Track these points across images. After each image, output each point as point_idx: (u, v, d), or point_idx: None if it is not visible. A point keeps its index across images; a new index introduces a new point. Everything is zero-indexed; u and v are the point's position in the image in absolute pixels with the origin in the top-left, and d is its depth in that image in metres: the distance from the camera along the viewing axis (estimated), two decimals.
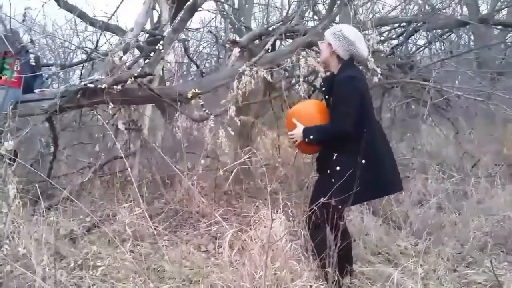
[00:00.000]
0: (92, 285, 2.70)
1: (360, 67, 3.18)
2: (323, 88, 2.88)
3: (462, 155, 5.21)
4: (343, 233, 2.67)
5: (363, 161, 2.52)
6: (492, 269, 2.76)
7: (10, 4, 3.84)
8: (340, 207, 2.52)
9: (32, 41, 4.88)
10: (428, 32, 5.67)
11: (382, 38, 5.47)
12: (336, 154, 2.62)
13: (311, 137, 2.63)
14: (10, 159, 2.94)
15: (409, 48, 6.19)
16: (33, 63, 4.34)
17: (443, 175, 4.83)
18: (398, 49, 5.52)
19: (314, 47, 4.48)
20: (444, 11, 5.98)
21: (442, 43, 6.31)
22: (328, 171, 2.63)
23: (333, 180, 2.55)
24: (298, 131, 2.68)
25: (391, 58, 5.15)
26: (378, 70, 4.12)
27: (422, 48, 6.24)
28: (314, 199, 2.68)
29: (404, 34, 5.65)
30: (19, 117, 3.81)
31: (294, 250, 2.73)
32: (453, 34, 7.18)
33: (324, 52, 2.76)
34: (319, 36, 4.50)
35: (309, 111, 2.79)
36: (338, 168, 2.58)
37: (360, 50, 2.68)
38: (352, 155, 2.54)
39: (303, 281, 2.45)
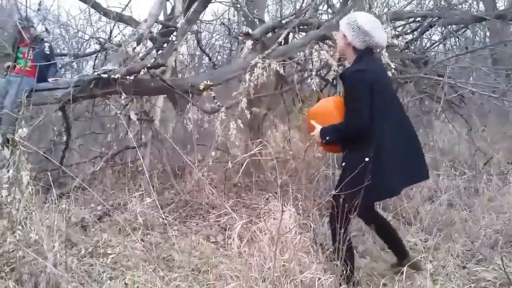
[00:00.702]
0: (102, 273, 2.73)
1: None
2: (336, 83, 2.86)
3: (475, 152, 5.15)
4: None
5: (366, 159, 2.42)
6: (502, 267, 2.74)
7: None
8: (350, 202, 2.47)
9: (47, 30, 4.93)
10: (443, 28, 5.59)
11: (397, 32, 5.42)
12: (346, 151, 2.60)
13: (327, 138, 2.60)
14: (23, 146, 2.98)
15: (424, 43, 6.13)
16: (48, 52, 4.38)
17: (455, 171, 4.78)
18: (413, 44, 5.47)
19: (327, 41, 4.46)
20: (460, 6, 5.90)
21: (457, 39, 6.22)
22: (342, 167, 2.63)
23: (344, 176, 2.54)
24: (316, 132, 2.65)
25: (405, 53, 5.10)
26: (392, 65, 4.09)
27: (436, 44, 6.17)
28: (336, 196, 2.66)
29: (419, 29, 5.58)
30: (33, 105, 3.86)
31: (303, 242, 2.72)
32: (468, 30, 7.08)
33: (340, 44, 2.66)
34: (333, 29, 4.47)
35: (326, 109, 2.73)
36: (344, 164, 2.58)
37: (376, 39, 2.55)
38: (360, 152, 2.48)
39: (311, 273, 2.45)
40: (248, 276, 2.55)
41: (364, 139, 2.49)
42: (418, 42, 5.96)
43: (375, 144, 2.46)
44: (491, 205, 3.98)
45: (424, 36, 6.10)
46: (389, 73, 4.07)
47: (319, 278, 2.44)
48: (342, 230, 2.50)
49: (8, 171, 2.65)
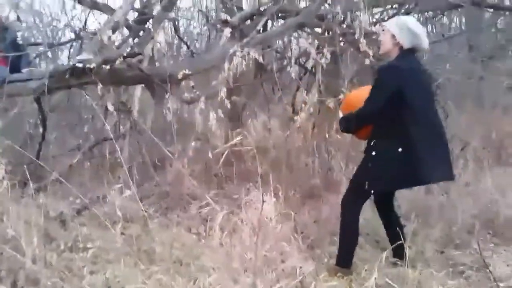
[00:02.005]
0: (82, 267, 2.69)
1: None
2: None
3: (451, 138, 5.24)
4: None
5: (400, 150, 2.61)
6: (479, 251, 2.81)
7: None
8: (370, 191, 2.74)
9: (18, 19, 4.76)
10: (419, 14, 5.63)
11: (374, 20, 5.43)
12: (374, 140, 2.76)
13: (342, 126, 2.87)
14: None
15: None
16: (20, 42, 4.24)
17: None
18: None
19: (306, 28, 4.45)
20: None
21: (433, 26, 6.29)
22: (366, 155, 2.79)
23: (369, 165, 2.74)
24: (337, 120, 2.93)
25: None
26: (370, 52, 4.11)
27: None
28: (351, 179, 2.94)
29: (396, 16, 5.60)
30: (7, 97, 3.76)
31: (284, 231, 2.74)
32: (444, 16, 7.14)
33: (387, 44, 2.82)
34: (311, 16, 4.47)
35: (353, 99, 2.94)
36: (374, 153, 2.72)
37: (422, 42, 2.77)
38: (390, 143, 2.66)
39: (293, 262, 2.48)
40: (230, 267, 2.56)
41: (396, 130, 2.67)
42: None
43: (406, 136, 2.63)
44: (468, 190, 4.08)
45: None
46: (367, 61, 4.13)
47: (301, 267, 2.47)
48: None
49: None
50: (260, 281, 2.30)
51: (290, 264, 2.48)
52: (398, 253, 2.80)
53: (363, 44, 4.01)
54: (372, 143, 2.77)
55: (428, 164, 2.64)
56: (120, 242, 2.93)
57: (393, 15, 5.67)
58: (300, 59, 4.80)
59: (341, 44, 4.34)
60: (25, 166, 3.39)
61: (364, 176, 2.77)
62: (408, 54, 2.78)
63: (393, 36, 2.76)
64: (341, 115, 2.92)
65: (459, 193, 3.97)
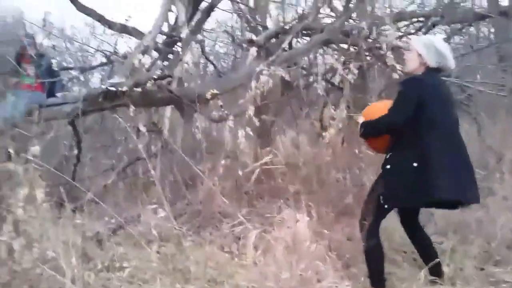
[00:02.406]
0: (119, 287, 2.74)
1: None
2: None
3: (485, 150, 5.12)
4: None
5: (415, 164, 2.58)
6: None
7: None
8: (385, 206, 2.70)
9: (54, 47, 4.97)
10: (447, 26, 5.58)
11: (400, 33, 5.40)
12: (390, 153, 2.75)
13: (361, 130, 2.87)
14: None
15: None
16: (55, 68, 4.42)
17: None
18: None
19: (331, 44, 4.47)
20: (462, 4, 5.88)
21: (461, 37, 6.21)
22: (382, 169, 2.78)
23: (384, 178, 2.74)
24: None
25: None
26: (398, 66, 4.09)
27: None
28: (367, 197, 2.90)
29: (423, 29, 5.57)
30: (44, 121, 3.90)
31: (318, 250, 2.72)
32: (472, 27, 7.05)
33: (413, 62, 2.85)
34: (336, 33, 4.49)
35: (376, 109, 2.97)
36: (388, 166, 2.71)
37: (449, 62, 2.80)
38: (406, 156, 2.65)
39: (329, 282, 2.45)
40: (265, 286, 2.56)
41: (413, 144, 2.65)
42: None
43: (423, 150, 2.61)
44: (506, 204, 3.95)
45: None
46: (396, 75, 4.10)
47: (337, 287, 2.44)
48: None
49: (23, 189, 2.67)
50: None
51: (326, 284, 2.45)
52: (435, 271, 2.73)
53: (390, 58, 3.99)
54: (388, 156, 2.76)
55: (442, 179, 2.57)
56: (155, 261, 2.96)
57: (419, 28, 5.65)
58: (327, 75, 4.81)
59: (368, 59, 4.33)
60: (61, 188, 3.49)
61: (379, 190, 2.74)
62: (433, 72, 2.80)
63: (420, 55, 2.79)
64: (361, 120, 2.94)
65: (497, 207, 3.85)
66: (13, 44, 5.15)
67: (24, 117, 4.02)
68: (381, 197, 2.68)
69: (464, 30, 5.96)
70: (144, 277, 2.87)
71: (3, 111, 4.04)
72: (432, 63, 2.75)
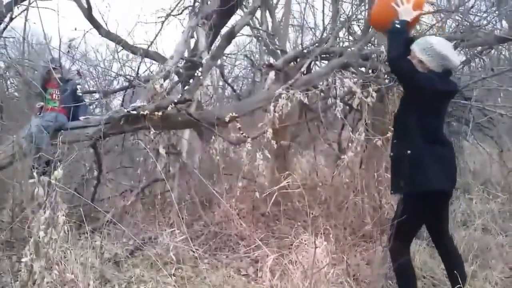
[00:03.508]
0: None
1: None
2: None
3: (507, 174, 5.01)
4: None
5: (408, 152, 2.60)
6: None
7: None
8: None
9: (79, 73, 5.11)
10: (467, 50, 5.54)
11: None
12: (394, 140, 2.81)
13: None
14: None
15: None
16: (80, 94, 4.53)
17: (487, 195, 4.65)
18: None
19: (350, 68, 4.49)
20: (483, 27, 5.84)
21: (481, 60, 6.14)
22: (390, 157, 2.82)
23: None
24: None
25: None
26: None
27: (461, 66, 6.09)
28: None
29: None
30: (66, 143, 3.98)
31: (336, 275, 2.68)
32: (493, 50, 6.99)
33: (418, 67, 2.69)
34: (355, 57, 4.52)
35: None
36: (391, 154, 2.78)
37: (453, 62, 2.67)
38: (403, 144, 2.68)
39: None
40: None
41: (410, 132, 2.65)
42: None
43: (417, 139, 2.62)
44: None
45: None
46: None
47: None
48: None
49: (44, 212, 2.72)
50: None
51: None
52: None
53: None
54: (392, 144, 2.80)
55: (432, 170, 2.57)
56: (172, 284, 2.96)
57: None
58: (345, 98, 4.82)
59: (387, 82, 4.34)
60: (81, 209, 3.55)
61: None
62: (439, 74, 2.64)
63: (421, 61, 2.66)
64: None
65: None
66: (39, 69, 5.33)
67: (48, 140, 4.12)
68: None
69: (484, 53, 5.90)
70: None
71: (28, 134, 4.14)
72: (436, 68, 2.62)
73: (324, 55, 4.92)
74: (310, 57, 4.66)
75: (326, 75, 4.33)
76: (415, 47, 2.72)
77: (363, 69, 4.61)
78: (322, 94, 4.85)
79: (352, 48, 4.66)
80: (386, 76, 4.32)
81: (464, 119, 4.56)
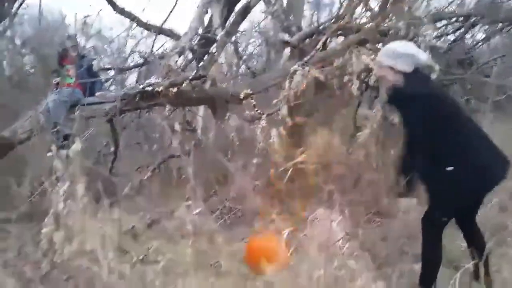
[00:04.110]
0: (154, 279, 2.78)
1: None
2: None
3: None
4: None
5: None
6: None
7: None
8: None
9: (94, 48, 5.13)
10: (487, 26, 5.42)
11: (438, 33, 5.29)
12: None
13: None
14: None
15: (467, 43, 5.95)
16: (95, 69, 4.56)
17: None
18: (456, 45, 5.33)
19: (367, 44, 4.42)
20: (503, 3, 5.68)
21: (502, 37, 6.01)
22: None
23: None
24: None
25: (448, 54, 4.97)
26: (436, 67, 4.00)
27: (480, 43, 5.97)
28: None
29: (462, 29, 5.43)
30: (83, 119, 4.04)
31: (351, 250, 2.69)
32: None
33: (390, 76, 2.67)
34: (372, 33, 4.45)
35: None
36: None
37: (421, 58, 2.66)
38: None
39: (362, 282, 2.42)
40: (296, 284, 2.55)
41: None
42: (461, 42, 5.78)
43: None
44: None
45: (467, 35, 5.91)
46: (434, 75, 4.01)
47: (370, 286, 2.41)
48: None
49: (64, 184, 2.77)
50: None
51: (360, 283, 2.42)
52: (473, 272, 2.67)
53: (429, 58, 3.91)
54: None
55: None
56: (189, 256, 3.01)
57: (458, 28, 5.52)
58: (362, 75, 4.75)
59: None
60: (99, 183, 3.60)
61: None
62: (415, 76, 2.63)
63: (391, 68, 2.62)
64: None
65: None
66: (55, 46, 5.37)
67: (65, 115, 4.17)
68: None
69: (505, 30, 5.76)
70: (178, 270, 2.91)
71: (45, 110, 4.20)
72: (408, 69, 2.59)
73: (341, 32, 4.84)
74: (326, 33, 4.59)
75: (343, 52, 4.27)
76: (380, 59, 2.73)
77: (380, 45, 4.53)
78: (338, 71, 4.81)
79: (369, 24, 4.56)
80: None
81: (483, 97, 4.49)
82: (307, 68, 4.07)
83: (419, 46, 3.93)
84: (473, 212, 2.88)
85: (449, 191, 2.54)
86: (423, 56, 2.70)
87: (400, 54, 2.60)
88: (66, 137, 3.93)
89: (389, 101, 2.82)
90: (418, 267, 3.01)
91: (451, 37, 5.62)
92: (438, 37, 4.86)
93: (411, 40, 4.20)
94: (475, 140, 2.61)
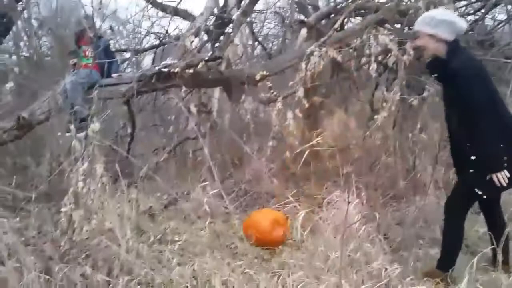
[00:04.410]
0: (171, 259, 2.83)
1: None
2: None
3: None
4: None
5: None
6: None
7: None
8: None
9: (111, 28, 5.11)
10: (509, 7, 5.24)
11: (458, 14, 5.14)
12: None
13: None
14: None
15: (488, 24, 5.78)
16: (112, 50, 4.55)
17: None
18: (477, 25, 5.17)
19: (386, 24, 4.32)
20: None
21: None
22: None
23: None
24: None
25: (469, 34, 4.83)
26: None
27: (502, 24, 5.78)
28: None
29: (483, 9, 5.26)
30: (100, 100, 4.05)
31: (367, 233, 2.69)
32: None
33: (431, 45, 2.62)
34: (392, 13, 4.34)
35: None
36: None
37: (461, 24, 2.61)
38: None
39: (378, 264, 2.43)
40: (313, 265, 2.57)
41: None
42: (482, 22, 5.61)
43: None
44: None
45: (488, 16, 5.73)
46: None
47: (386, 269, 2.41)
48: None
49: (83, 164, 2.80)
50: (345, 281, 2.28)
51: (375, 266, 2.43)
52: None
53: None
54: None
55: None
56: (205, 237, 3.05)
57: (480, 8, 5.35)
58: (379, 56, 4.67)
59: None
60: (116, 164, 3.64)
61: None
62: (458, 46, 2.59)
63: (432, 36, 2.57)
64: None
65: None
66: (72, 26, 5.37)
67: (83, 97, 4.20)
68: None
69: None
70: (194, 250, 2.95)
71: (62, 90, 4.23)
72: (449, 37, 2.53)
73: (359, 11, 4.74)
74: (344, 13, 4.50)
75: (361, 32, 4.18)
76: (419, 27, 2.66)
77: (399, 25, 4.43)
78: (355, 52, 4.73)
79: (389, 4, 4.45)
80: None
81: (505, 79, 4.37)
82: (324, 49, 3.99)
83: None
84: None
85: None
86: (463, 24, 2.65)
87: (441, 21, 2.55)
88: (83, 119, 3.97)
89: (441, 74, 2.71)
90: (433, 251, 3.01)
91: (472, 18, 5.44)
92: (459, 17, 4.71)
93: None
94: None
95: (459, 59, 2.52)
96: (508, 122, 2.51)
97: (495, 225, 2.82)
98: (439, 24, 2.54)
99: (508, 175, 2.45)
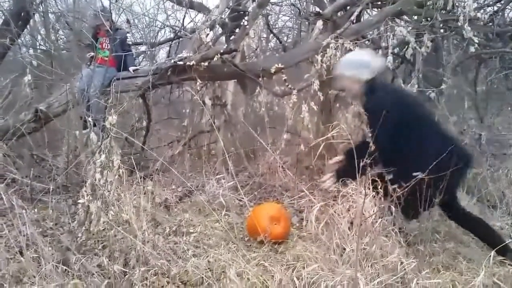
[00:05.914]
0: (186, 250, 2.86)
1: None
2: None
3: None
4: None
5: None
6: None
7: None
8: None
9: (128, 21, 5.14)
10: None
11: (478, 4, 5.04)
12: None
13: None
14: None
15: (509, 15, 5.65)
16: (129, 42, 4.57)
17: None
18: (496, 17, 5.06)
19: (403, 16, 4.26)
20: None
21: None
22: None
23: None
24: None
25: (488, 26, 4.73)
26: (475, 39, 3.83)
27: None
28: None
29: (503, 0, 5.15)
30: (117, 93, 4.09)
31: (383, 226, 2.67)
32: None
33: (352, 86, 2.86)
34: (409, 4, 4.27)
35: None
36: None
37: (377, 63, 2.82)
38: None
39: (393, 257, 2.41)
40: (327, 258, 2.56)
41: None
42: (502, 14, 5.49)
43: None
44: None
45: (509, 7, 5.60)
46: (472, 49, 3.85)
47: (402, 263, 2.39)
48: None
49: (100, 156, 2.83)
50: (360, 274, 2.27)
51: (391, 259, 2.41)
52: (503, 251, 2.62)
53: (467, 30, 3.75)
54: None
55: None
56: (220, 229, 3.06)
57: (499, 0, 5.24)
58: (396, 49, 4.62)
59: (442, 31, 4.10)
60: (132, 156, 3.68)
61: None
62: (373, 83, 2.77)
63: (351, 78, 2.80)
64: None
65: None
66: (89, 19, 5.41)
67: (100, 89, 4.24)
68: None
69: None
70: (209, 242, 2.97)
71: (80, 83, 4.27)
72: (367, 75, 2.75)
73: (376, 3, 4.68)
74: (361, 4, 4.44)
75: (378, 24, 4.14)
76: (339, 71, 2.88)
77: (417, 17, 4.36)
78: (372, 44, 4.68)
79: None
80: (442, 24, 4.07)
81: None
82: (340, 41, 3.96)
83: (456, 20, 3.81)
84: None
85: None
86: (378, 62, 2.85)
87: (358, 64, 2.78)
88: (99, 111, 4.01)
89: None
90: (449, 245, 2.99)
91: (492, 9, 5.33)
92: (478, 9, 4.62)
93: (449, 12, 4.03)
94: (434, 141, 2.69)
95: (372, 98, 2.73)
96: (428, 147, 2.64)
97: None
98: (357, 66, 2.77)
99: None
